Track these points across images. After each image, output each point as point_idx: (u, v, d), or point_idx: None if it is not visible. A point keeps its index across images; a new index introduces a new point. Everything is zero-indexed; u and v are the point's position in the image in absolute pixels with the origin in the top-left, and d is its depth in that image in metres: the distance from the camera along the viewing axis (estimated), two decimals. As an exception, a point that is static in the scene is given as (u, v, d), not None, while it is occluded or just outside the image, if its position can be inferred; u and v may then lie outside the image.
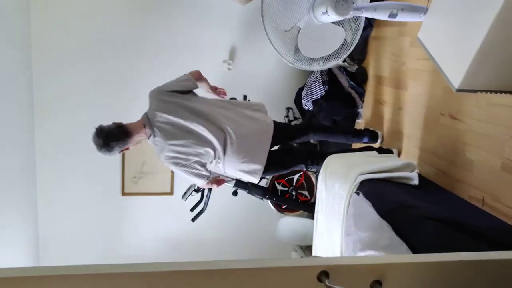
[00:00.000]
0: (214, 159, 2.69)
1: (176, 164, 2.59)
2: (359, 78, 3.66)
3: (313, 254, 2.83)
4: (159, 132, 2.56)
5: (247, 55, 4.39)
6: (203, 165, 2.67)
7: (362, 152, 2.75)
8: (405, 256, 1.37)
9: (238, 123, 2.70)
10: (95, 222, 4.36)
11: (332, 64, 3.70)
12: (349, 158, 2.64)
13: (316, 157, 3.05)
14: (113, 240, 4.46)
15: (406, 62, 3.03)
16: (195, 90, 2.82)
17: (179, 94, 2.66)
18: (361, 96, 3.65)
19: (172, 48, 4.18)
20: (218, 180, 2.90)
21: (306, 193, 4.31)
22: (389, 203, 2.05)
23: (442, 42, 1.75)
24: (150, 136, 2.59)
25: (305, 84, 3.86)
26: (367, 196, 2.18)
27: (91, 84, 4.07)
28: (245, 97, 3.94)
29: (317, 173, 4.12)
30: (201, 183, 2.71)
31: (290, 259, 2.40)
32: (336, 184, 2.46)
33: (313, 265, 0.97)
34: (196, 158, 2.60)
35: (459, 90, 1.55)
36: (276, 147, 3.03)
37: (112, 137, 2.48)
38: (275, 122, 2.89)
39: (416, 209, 1.91)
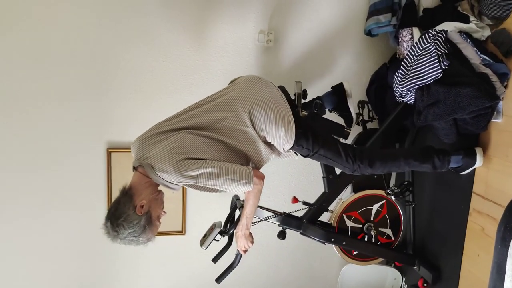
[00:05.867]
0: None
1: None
2: (501, 48, 2.16)
3: None
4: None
5: (296, 22, 2.91)
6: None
7: None
8: None
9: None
10: (70, 279, 2.94)
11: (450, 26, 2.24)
12: None
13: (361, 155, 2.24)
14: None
15: None
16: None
17: None
18: (504, 78, 2.15)
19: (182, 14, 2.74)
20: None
21: (389, 231, 2.83)
22: None
23: None
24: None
25: (404, 61, 2.36)
26: None
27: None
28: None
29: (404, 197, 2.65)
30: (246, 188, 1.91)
31: None
32: None
33: None
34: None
35: None
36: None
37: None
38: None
39: None
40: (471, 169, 2.37)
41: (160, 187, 1.99)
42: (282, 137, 2.04)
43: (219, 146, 1.94)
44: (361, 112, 2.79)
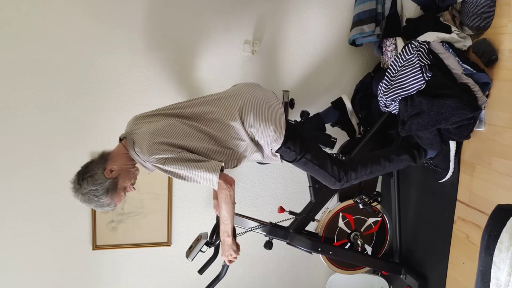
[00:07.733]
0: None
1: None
2: (482, 58, 2.19)
3: None
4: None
5: (282, 31, 2.92)
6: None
7: None
8: None
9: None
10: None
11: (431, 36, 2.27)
12: None
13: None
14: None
15: None
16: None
17: None
18: (485, 88, 2.18)
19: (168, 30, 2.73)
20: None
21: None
22: None
23: None
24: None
25: (388, 71, 2.38)
26: None
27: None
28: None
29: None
30: (211, 178, 1.90)
31: None
32: None
33: None
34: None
35: None
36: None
37: None
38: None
39: None
40: (450, 170, 2.41)
41: (138, 166, 2.05)
42: (271, 136, 2.07)
43: (204, 137, 1.99)
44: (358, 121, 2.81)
